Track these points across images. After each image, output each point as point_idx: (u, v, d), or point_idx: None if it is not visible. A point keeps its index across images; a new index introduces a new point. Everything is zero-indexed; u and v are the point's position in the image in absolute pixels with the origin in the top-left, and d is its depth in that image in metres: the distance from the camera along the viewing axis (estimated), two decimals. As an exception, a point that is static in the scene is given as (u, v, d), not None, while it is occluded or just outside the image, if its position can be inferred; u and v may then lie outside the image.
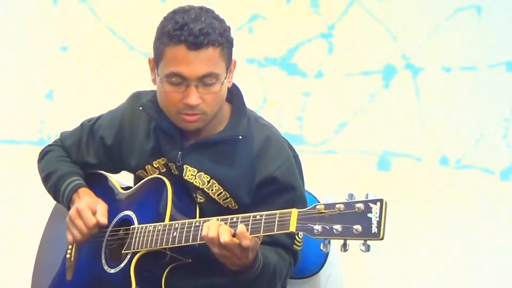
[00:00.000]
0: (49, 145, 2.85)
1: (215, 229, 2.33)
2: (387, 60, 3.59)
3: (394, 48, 3.58)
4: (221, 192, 2.54)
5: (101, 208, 2.60)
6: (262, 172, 2.53)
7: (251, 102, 2.71)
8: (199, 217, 2.52)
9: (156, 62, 2.54)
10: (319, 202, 2.87)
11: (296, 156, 2.63)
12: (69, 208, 2.66)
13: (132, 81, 3.68)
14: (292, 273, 2.60)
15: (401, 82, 3.58)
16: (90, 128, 2.75)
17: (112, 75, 3.76)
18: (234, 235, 2.32)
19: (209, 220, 2.39)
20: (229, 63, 2.53)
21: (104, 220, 2.58)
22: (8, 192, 3.78)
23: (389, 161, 3.55)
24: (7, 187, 3.78)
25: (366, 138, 3.58)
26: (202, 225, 2.38)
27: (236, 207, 2.55)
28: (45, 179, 2.76)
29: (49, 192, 2.78)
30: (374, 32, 3.60)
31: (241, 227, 2.31)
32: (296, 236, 2.51)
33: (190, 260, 2.51)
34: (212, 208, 2.54)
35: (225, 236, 2.31)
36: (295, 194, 2.55)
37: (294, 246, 2.51)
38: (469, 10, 3.55)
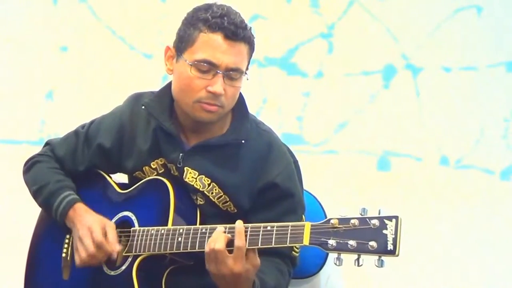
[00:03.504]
0: (38, 155, 2.77)
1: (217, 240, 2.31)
2: (387, 60, 3.59)
3: (394, 48, 3.58)
4: (221, 196, 2.52)
5: (112, 233, 2.56)
6: (263, 178, 2.51)
7: (251, 102, 2.70)
8: (200, 220, 2.51)
9: (183, 47, 2.51)
10: (321, 204, 2.87)
11: (296, 162, 2.62)
12: (63, 223, 2.62)
13: (132, 81, 3.68)
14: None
15: (401, 82, 3.58)
16: (85, 135, 2.70)
17: (112, 75, 3.75)
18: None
19: (215, 227, 2.37)
20: (248, 64, 2.55)
21: (118, 248, 2.54)
22: (8, 192, 3.78)
23: (389, 161, 3.55)
24: (7, 187, 3.78)
25: (366, 138, 3.58)
26: (208, 232, 2.37)
27: (235, 211, 2.53)
28: (36, 194, 2.67)
29: (40, 206, 2.72)
30: (374, 32, 3.60)
31: (239, 226, 2.31)
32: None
33: (192, 263, 2.50)
34: (211, 211, 2.53)
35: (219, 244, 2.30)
36: (294, 200, 2.54)
37: (293, 252, 2.50)
38: (469, 10, 3.55)
